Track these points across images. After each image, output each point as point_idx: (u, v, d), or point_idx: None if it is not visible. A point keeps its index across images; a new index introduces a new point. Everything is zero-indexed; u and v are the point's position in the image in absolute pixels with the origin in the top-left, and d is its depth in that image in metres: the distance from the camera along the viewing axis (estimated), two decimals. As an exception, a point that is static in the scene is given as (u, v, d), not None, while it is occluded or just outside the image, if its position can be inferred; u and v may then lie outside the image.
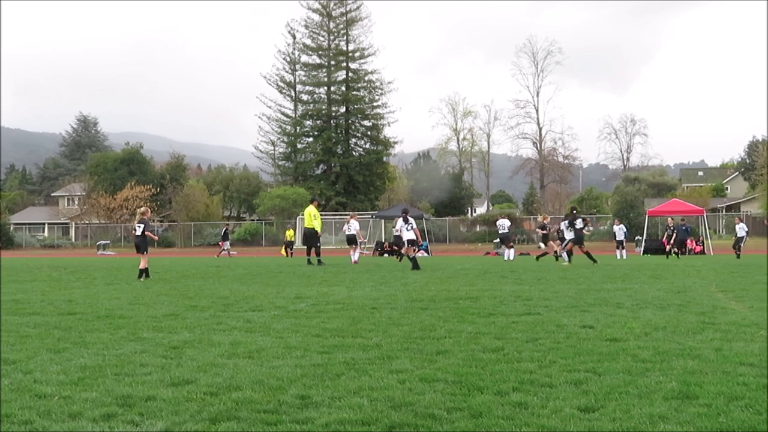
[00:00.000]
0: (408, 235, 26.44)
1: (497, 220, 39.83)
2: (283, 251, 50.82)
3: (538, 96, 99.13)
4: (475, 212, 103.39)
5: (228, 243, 53.14)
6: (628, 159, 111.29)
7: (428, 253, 48.20)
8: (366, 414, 5.47)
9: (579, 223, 28.03)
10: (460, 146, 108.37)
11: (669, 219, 42.13)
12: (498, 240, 45.86)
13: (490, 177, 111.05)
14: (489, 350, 8.08)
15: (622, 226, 40.89)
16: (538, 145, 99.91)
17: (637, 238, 54.57)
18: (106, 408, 5.73)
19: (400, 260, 28.63)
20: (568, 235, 28.39)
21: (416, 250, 26.38)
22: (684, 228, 39.94)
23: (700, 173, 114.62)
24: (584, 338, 8.88)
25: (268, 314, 11.78)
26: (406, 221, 26.70)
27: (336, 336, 9.26)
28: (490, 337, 9.06)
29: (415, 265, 25.09)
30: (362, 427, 5.20)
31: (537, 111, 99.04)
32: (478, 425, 5.22)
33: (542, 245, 34.17)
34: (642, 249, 49.67)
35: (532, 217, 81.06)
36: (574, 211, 29.71)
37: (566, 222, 28.81)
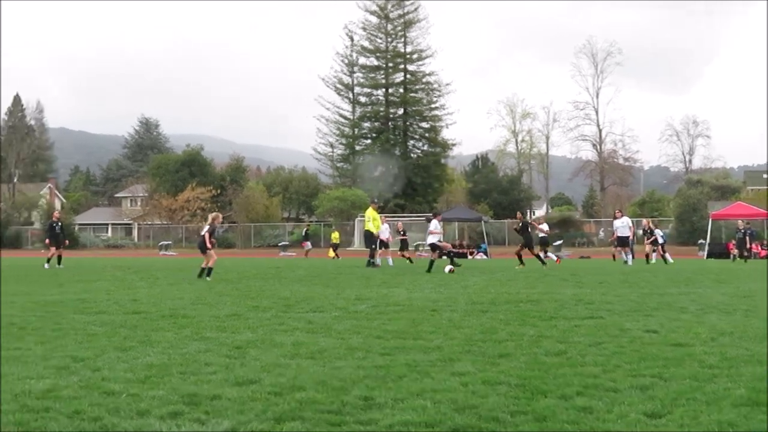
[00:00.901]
0: (431, 238, 26.27)
1: (540, 224, 39.44)
2: (330, 253, 50.97)
3: (597, 97, 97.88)
4: (534, 214, 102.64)
5: (309, 243, 53.60)
6: (690, 161, 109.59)
7: (487, 256, 48.06)
8: (429, 416, 5.47)
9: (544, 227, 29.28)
10: (519, 148, 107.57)
11: (740, 222, 41.37)
12: (556, 243, 45.59)
13: (549, 179, 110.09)
14: (552, 354, 8.03)
15: (658, 230, 40.44)
16: (598, 147, 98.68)
17: (699, 241, 53.72)
18: (172, 406, 5.81)
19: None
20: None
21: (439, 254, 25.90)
22: (749, 232, 39.27)
23: (765, 175, 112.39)
24: (648, 343, 8.78)
25: (329, 315, 11.84)
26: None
27: (397, 338, 9.27)
28: (553, 340, 9.00)
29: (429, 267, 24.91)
30: (426, 429, 5.20)
31: (597, 112, 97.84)
32: (542, 429, 5.20)
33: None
34: (705, 253, 48.89)
35: (592, 219, 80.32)
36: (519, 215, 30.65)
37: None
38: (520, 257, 28.85)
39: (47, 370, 7.23)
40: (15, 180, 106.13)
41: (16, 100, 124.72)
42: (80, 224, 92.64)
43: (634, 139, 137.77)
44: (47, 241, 31.65)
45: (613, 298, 14.51)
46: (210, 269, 21.12)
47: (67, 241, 34.23)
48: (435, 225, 26.46)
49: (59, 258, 30.72)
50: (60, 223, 31.90)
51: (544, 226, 37.58)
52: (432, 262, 25.21)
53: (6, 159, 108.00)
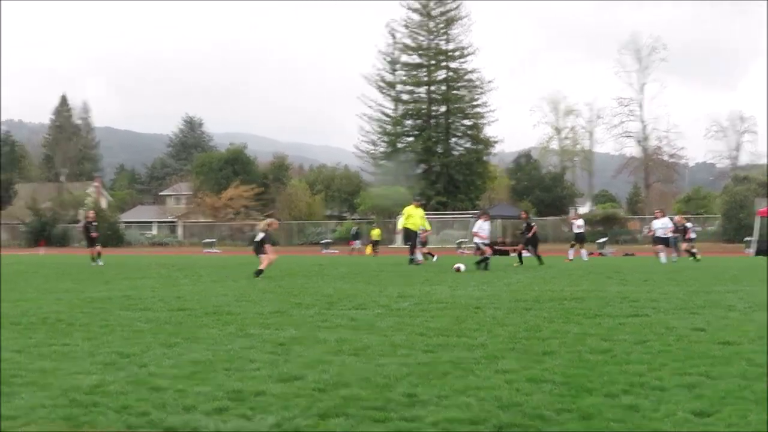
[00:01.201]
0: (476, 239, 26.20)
1: (575, 219, 39.10)
2: (368, 250, 51.07)
3: (642, 93, 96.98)
4: (577, 212, 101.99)
5: (358, 242, 53.83)
6: (736, 157, 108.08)
7: (530, 254, 47.79)
8: (474, 413, 5.45)
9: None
10: (562, 145, 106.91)
11: None
12: (600, 240, 45.18)
13: (592, 176, 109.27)
14: (597, 352, 7.97)
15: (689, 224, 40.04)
16: (643, 144, 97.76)
17: (746, 239, 52.99)
18: (218, 402, 5.85)
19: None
20: None
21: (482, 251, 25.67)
22: None
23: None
24: (695, 341, 8.68)
25: (372, 312, 11.85)
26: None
27: (440, 335, 9.26)
28: (597, 338, 8.93)
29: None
30: (471, 426, 5.19)
31: (641, 108, 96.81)
32: (588, 427, 5.16)
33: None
34: (754, 250, 48.21)
35: (636, 216, 79.56)
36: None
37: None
38: (520, 255, 29.35)
39: (95, 366, 7.32)
40: (62, 179, 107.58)
41: (63, 100, 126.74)
42: (125, 222, 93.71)
43: (679, 135, 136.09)
44: (91, 237, 32.17)
45: (659, 296, 14.37)
46: (261, 271, 21.20)
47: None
48: (479, 226, 26.27)
49: (98, 255, 31.44)
50: (95, 224, 32.68)
51: (580, 222, 37.33)
52: (486, 260, 25.10)
53: (53, 158, 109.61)
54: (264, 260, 21.31)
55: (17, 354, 8.05)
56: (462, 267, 23.82)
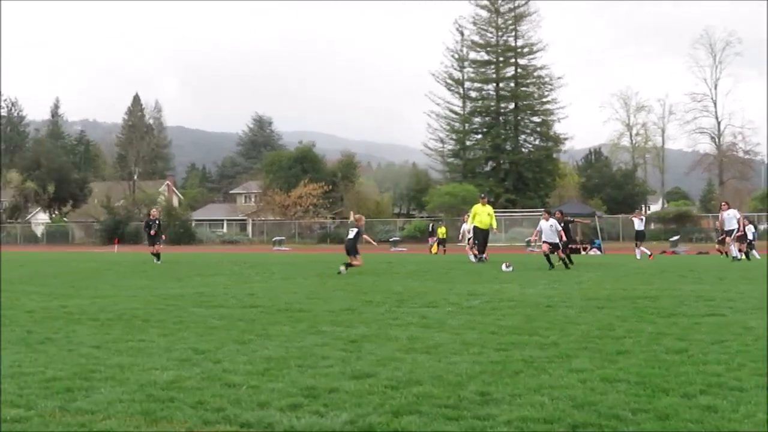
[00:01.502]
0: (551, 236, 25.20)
1: (634, 217, 38.38)
2: (434, 248, 50.95)
3: (716, 89, 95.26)
4: (649, 209, 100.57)
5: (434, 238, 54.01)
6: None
7: (601, 252, 47.27)
8: (548, 412, 5.41)
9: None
10: (633, 142, 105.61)
11: None
12: (673, 238, 44.53)
13: (664, 173, 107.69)
14: (672, 351, 7.84)
15: (750, 226, 39.14)
16: (717, 140, 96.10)
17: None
18: (292, 398, 5.91)
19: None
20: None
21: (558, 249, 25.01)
22: None
23: None
24: (774, 341, 8.48)
25: (442, 310, 11.84)
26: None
27: (512, 333, 9.21)
28: (673, 338, 8.79)
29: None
30: (544, 425, 5.15)
31: (715, 104, 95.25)
32: (665, 428, 5.08)
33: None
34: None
35: (710, 214, 78.07)
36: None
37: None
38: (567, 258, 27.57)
39: (170, 362, 7.44)
40: (135, 177, 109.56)
41: (136, 99, 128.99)
42: (197, 220, 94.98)
43: (754, 131, 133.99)
44: (151, 235, 31.73)
45: (735, 295, 14.07)
46: (350, 265, 21.56)
47: (163, 236, 35.13)
48: (539, 225, 25.78)
49: (158, 255, 30.91)
50: (158, 222, 32.17)
51: (637, 220, 36.75)
52: (566, 258, 24.72)
53: (126, 157, 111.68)
54: (355, 259, 21.61)
55: (96, 349, 8.22)
56: (508, 266, 23.36)
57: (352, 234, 22.58)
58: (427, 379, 6.52)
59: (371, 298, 14.01)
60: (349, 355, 7.75)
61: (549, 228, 25.24)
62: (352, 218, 23.21)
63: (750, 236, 37.09)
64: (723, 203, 34.45)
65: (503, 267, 23.13)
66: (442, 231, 52.89)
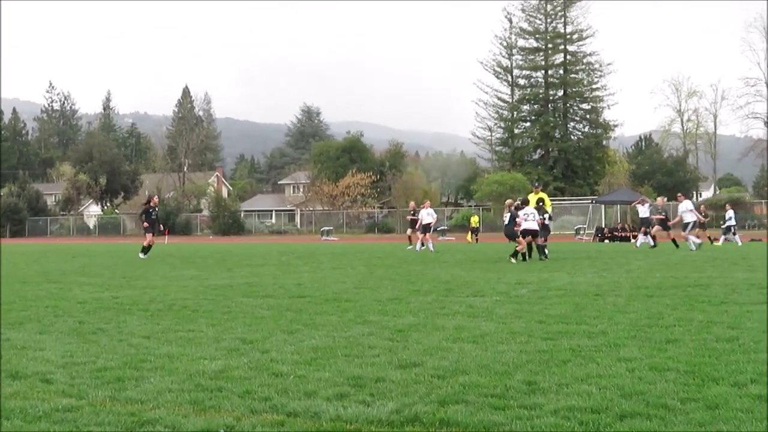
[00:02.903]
0: (528, 225, 24.08)
1: (639, 205, 37.76)
2: (468, 237, 50.75)
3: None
4: (701, 196, 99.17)
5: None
6: None
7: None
8: (595, 402, 5.38)
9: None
10: (685, 128, 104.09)
11: None
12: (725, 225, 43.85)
13: (716, 159, 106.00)
14: (722, 340, 7.74)
15: (731, 211, 38.59)
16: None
17: None
18: (338, 388, 5.93)
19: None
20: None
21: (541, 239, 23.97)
22: None
23: None
24: (828, 329, 8.33)
25: (490, 300, 11.81)
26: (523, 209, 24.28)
27: (560, 322, 9.15)
28: (723, 326, 8.67)
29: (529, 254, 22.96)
30: (592, 414, 5.11)
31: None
32: (714, 417, 5.01)
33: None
34: None
35: (764, 201, 76.82)
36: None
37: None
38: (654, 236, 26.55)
39: (219, 352, 7.51)
40: (185, 169, 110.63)
41: (185, 91, 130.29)
42: (246, 211, 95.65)
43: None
44: (145, 226, 28.63)
45: (789, 283, 13.84)
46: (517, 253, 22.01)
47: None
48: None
49: (149, 248, 27.75)
50: (156, 209, 29.30)
51: (645, 207, 36.20)
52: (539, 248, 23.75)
53: (176, 149, 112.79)
54: (520, 242, 22.21)
55: (146, 340, 8.33)
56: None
57: (506, 219, 23.36)
58: (474, 369, 6.51)
59: (419, 287, 14.01)
60: (395, 345, 7.76)
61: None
62: (506, 206, 23.83)
63: (732, 222, 36.87)
64: (679, 195, 33.18)
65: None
66: (475, 220, 52.69)
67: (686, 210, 29.80)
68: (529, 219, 22.80)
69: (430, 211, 33.21)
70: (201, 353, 7.42)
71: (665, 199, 38.50)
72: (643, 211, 35.97)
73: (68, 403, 5.58)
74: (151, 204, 29.40)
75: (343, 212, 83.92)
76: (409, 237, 35.65)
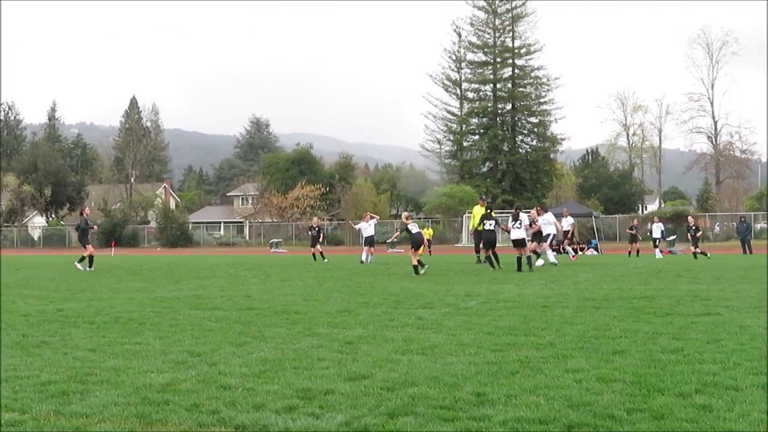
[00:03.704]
0: (516, 233, 23.83)
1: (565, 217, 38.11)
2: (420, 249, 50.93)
3: (713, 88, 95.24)
4: (646, 210, 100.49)
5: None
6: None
7: (598, 252, 47.31)
8: (543, 413, 5.41)
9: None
10: (630, 142, 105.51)
11: None
12: (670, 238, 44.57)
13: (661, 173, 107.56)
14: (668, 351, 7.84)
15: (660, 224, 39.25)
16: (713, 140, 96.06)
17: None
18: (287, 400, 5.90)
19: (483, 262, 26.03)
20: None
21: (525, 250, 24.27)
22: None
23: None
24: (770, 340, 8.48)
25: (438, 311, 11.84)
26: (515, 219, 24.28)
27: (508, 334, 9.21)
28: (668, 337, 8.79)
29: (519, 266, 23.08)
30: (540, 425, 5.15)
31: (712, 104, 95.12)
32: (660, 427, 5.08)
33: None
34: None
35: (707, 214, 78.12)
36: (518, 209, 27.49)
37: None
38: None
39: (166, 365, 7.44)
40: (132, 180, 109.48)
41: (133, 102, 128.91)
42: (194, 222, 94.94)
43: (751, 130, 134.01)
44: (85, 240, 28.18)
45: (731, 294, 14.08)
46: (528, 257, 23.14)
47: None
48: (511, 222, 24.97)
49: (91, 258, 27.28)
50: (87, 221, 29.04)
51: (569, 220, 36.58)
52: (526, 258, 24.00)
53: (123, 160, 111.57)
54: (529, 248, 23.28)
55: (91, 353, 8.21)
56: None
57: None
58: (423, 380, 6.52)
59: (368, 299, 14.01)
60: (344, 357, 7.75)
61: (515, 226, 24.42)
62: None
63: (657, 235, 37.42)
64: (538, 207, 32.15)
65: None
66: (428, 232, 52.89)
67: (548, 222, 29.02)
68: (517, 228, 23.82)
69: (371, 223, 33.55)
70: (148, 366, 7.33)
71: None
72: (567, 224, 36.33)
73: (11, 418, 5.48)
74: (83, 215, 29.76)
75: (292, 224, 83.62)
76: (320, 253, 35.58)
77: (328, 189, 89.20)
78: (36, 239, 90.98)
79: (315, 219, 40.43)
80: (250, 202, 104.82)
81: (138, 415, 5.53)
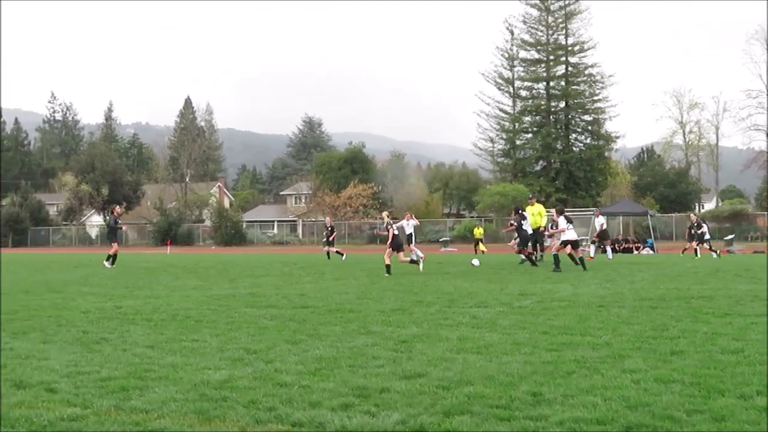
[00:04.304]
0: (570, 234, 24.12)
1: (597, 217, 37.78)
2: (482, 247, 50.67)
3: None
4: (703, 208, 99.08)
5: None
6: None
7: (654, 251, 46.72)
8: (601, 413, 5.36)
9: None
10: (687, 140, 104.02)
11: None
12: (727, 237, 43.85)
13: (718, 171, 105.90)
14: (728, 352, 7.73)
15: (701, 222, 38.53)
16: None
17: None
18: (343, 398, 5.92)
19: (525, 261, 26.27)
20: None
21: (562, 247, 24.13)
22: None
23: None
24: (833, 341, 8.31)
25: (493, 310, 11.79)
26: (568, 220, 24.61)
27: (564, 333, 9.14)
28: (728, 338, 8.66)
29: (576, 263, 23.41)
30: (598, 426, 5.10)
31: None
32: (721, 429, 5.01)
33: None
34: None
35: (766, 213, 76.74)
36: (521, 211, 27.40)
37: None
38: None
39: (223, 362, 7.51)
40: (187, 179, 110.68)
41: (188, 102, 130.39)
42: (247, 221, 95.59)
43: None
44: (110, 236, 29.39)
45: (792, 295, 13.81)
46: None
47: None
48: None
49: (109, 256, 28.05)
50: (117, 219, 29.89)
51: (601, 219, 36.27)
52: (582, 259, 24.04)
53: (178, 159, 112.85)
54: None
55: (150, 349, 8.33)
56: (476, 262, 26.19)
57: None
58: (479, 379, 6.50)
59: (422, 298, 14.00)
60: (399, 356, 7.76)
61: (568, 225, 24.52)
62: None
63: (707, 236, 36.85)
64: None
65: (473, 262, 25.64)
66: (479, 231, 52.62)
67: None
68: (570, 229, 24.31)
69: (411, 223, 33.52)
70: (205, 363, 7.41)
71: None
72: (600, 223, 36.03)
73: (73, 413, 5.57)
74: (113, 214, 30.43)
75: (345, 223, 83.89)
76: (335, 252, 35.74)
77: (380, 188, 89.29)
78: (93, 237, 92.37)
79: (328, 219, 40.21)
80: (303, 200, 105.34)
81: (196, 411, 5.60)
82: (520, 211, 27.27)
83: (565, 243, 23.87)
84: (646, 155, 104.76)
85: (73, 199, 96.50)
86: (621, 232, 57.73)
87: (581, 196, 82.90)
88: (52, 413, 5.54)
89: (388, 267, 21.98)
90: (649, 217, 56.57)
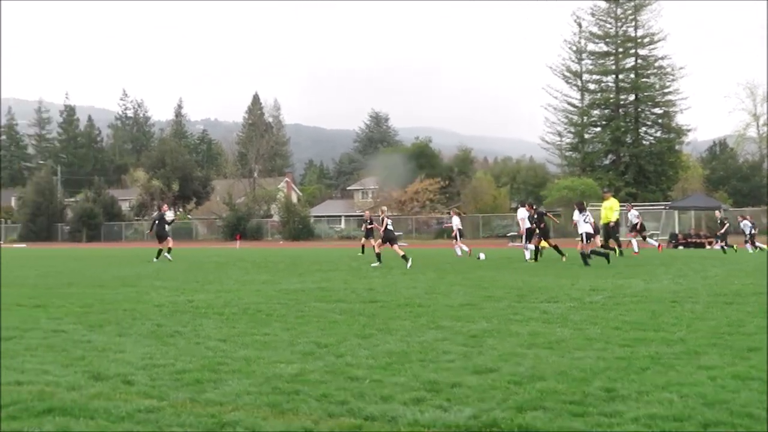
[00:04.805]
0: (585, 227, 23.75)
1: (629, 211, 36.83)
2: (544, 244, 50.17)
3: None
4: (631, 203, 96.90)
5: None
6: None
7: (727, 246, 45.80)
8: (677, 410, 5.28)
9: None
10: (760, 132, 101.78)
11: None
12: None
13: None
14: (808, 348, 7.54)
15: (747, 221, 37.62)
16: None
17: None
18: (415, 392, 5.93)
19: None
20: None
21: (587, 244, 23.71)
22: None
23: None
24: None
25: (564, 306, 11.69)
26: (581, 211, 24.29)
27: (636, 329, 9.02)
28: (807, 334, 8.45)
29: (584, 261, 22.91)
30: (674, 423, 5.03)
31: None
32: (803, 427, 4.89)
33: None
34: None
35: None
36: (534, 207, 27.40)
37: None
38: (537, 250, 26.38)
39: (294, 355, 7.57)
40: (255, 175, 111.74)
41: (255, 98, 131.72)
42: (315, 216, 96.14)
43: None
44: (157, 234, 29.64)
45: None
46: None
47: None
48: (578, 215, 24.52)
49: (159, 251, 29.11)
50: (164, 216, 30.19)
51: (634, 212, 35.57)
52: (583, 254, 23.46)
53: (247, 155, 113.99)
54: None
55: (222, 343, 8.43)
56: (482, 255, 27.08)
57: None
58: (551, 375, 6.45)
59: (491, 293, 13.93)
60: (470, 350, 7.73)
61: (584, 220, 24.11)
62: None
63: (747, 231, 36.29)
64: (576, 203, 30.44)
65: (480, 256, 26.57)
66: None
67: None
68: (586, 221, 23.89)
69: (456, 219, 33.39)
70: (277, 357, 7.48)
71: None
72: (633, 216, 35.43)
73: (150, 404, 5.68)
74: (161, 211, 31.46)
75: (412, 218, 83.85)
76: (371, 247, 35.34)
77: (447, 182, 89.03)
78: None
79: (367, 212, 39.44)
80: (370, 195, 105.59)
81: (269, 404, 5.66)
82: (536, 209, 27.44)
83: (588, 236, 23.71)
84: (718, 148, 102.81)
85: (144, 195, 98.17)
86: (693, 227, 56.77)
87: (651, 190, 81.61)
88: (130, 405, 5.65)
89: (378, 255, 24.75)
90: (722, 210, 55.52)
